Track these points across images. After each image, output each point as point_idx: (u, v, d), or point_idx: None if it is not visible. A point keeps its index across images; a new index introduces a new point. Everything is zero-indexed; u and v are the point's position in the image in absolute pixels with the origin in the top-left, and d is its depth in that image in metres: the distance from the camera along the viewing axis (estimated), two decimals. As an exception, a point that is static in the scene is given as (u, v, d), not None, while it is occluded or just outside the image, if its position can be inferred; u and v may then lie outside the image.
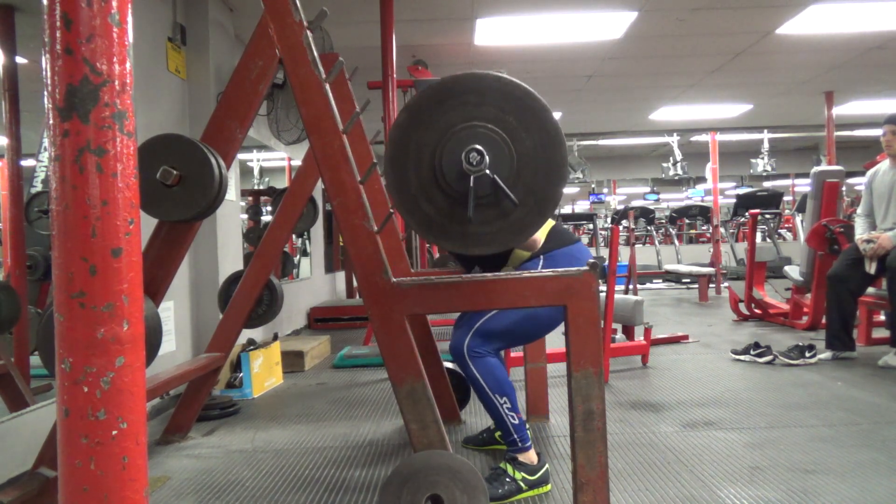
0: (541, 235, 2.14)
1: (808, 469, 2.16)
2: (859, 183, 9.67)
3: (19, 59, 2.83)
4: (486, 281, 1.63)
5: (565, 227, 2.30)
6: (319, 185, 3.98)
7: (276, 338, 3.95)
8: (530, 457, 2.07)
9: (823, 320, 4.24)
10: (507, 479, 2.02)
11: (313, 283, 6.82)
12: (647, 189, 14.98)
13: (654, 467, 2.23)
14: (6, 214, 2.84)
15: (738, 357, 3.98)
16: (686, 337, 4.75)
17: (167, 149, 2.02)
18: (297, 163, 5.41)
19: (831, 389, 3.21)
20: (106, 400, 0.77)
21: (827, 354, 3.87)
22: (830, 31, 5.37)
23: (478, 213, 1.54)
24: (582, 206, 20.23)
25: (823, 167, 5.13)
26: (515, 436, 2.07)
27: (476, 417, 2.91)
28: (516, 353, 3.38)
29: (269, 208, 6.54)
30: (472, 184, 1.49)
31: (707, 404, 3.02)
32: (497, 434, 2.47)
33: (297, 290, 6.13)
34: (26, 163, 2.96)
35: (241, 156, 4.42)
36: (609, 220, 14.57)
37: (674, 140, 10.74)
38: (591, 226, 10.58)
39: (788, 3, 4.70)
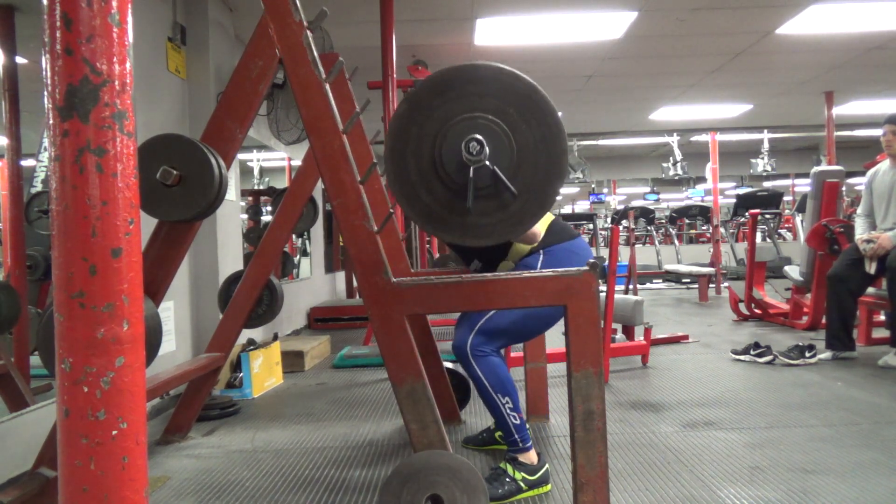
0: (541, 228, 2.14)
1: (808, 469, 2.16)
2: (859, 183, 9.67)
3: (19, 59, 2.83)
4: (486, 281, 1.63)
5: (565, 221, 2.30)
6: (319, 185, 3.98)
7: (276, 338, 3.95)
8: (530, 457, 2.07)
9: (823, 320, 4.24)
10: (507, 479, 2.02)
11: (313, 283, 6.82)
12: (647, 189, 14.99)
13: (654, 467, 2.23)
14: (6, 214, 2.84)
15: (738, 357, 3.98)
16: (686, 337, 4.75)
17: (167, 149, 2.02)
18: (297, 163, 5.41)
19: (831, 389, 3.21)
20: (106, 400, 0.77)
21: (827, 354, 3.87)
22: (830, 31, 5.37)
23: (477, 205, 1.54)
24: (582, 206, 20.23)
25: (823, 167, 5.13)
26: (516, 436, 2.06)
27: (476, 417, 2.91)
28: (516, 353, 3.38)
29: (269, 208, 6.54)
30: (471, 175, 1.49)
31: (707, 404, 3.02)
32: (497, 434, 2.47)
33: (297, 290, 6.13)
34: (26, 163, 2.96)
35: (241, 156, 4.42)
36: (609, 220, 14.58)
37: (674, 140, 10.74)
38: (591, 226, 10.58)
39: (788, 3, 4.70)
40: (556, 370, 3.36)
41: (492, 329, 2.05)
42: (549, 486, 2.08)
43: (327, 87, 1.76)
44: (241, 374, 3.53)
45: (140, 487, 0.80)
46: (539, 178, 1.54)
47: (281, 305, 3.30)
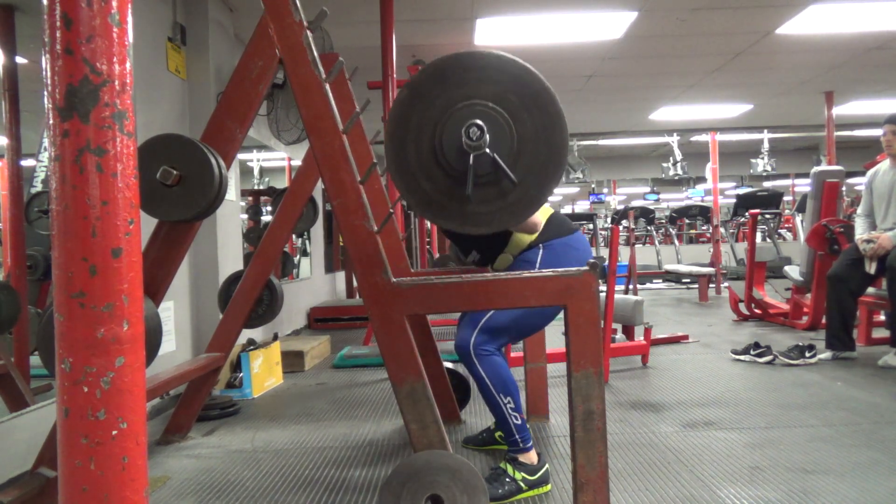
0: (541, 218, 2.14)
1: (808, 469, 2.16)
2: (859, 183, 9.67)
3: (19, 59, 2.83)
4: (485, 281, 1.63)
5: (564, 215, 2.30)
6: (319, 185, 3.98)
7: (276, 338, 3.95)
8: (531, 457, 2.07)
9: (823, 320, 4.24)
10: (508, 479, 2.02)
11: (313, 283, 6.82)
12: (647, 189, 14.98)
13: (654, 467, 2.23)
14: (6, 214, 2.84)
15: (738, 357, 3.98)
16: (686, 337, 4.75)
17: (167, 149, 2.02)
18: (297, 163, 5.41)
19: (831, 389, 3.21)
20: (106, 400, 0.77)
21: (827, 354, 3.87)
22: (830, 31, 5.37)
23: (477, 193, 1.54)
24: (582, 206, 20.22)
25: (823, 167, 5.13)
26: (517, 436, 2.06)
27: (476, 417, 2.91)
28: (516, 352, 3.38)
29: (269, 208, 6.54)
30: (471, 162, 1.48)
31: (707, 404, 3.02)
32: (497, 434, 2.47)
33: (297, 290, 6.13)
34: (26, 163, 2.96)
35: (241, 156, 4.42)
36: (609, 220, 14.57)
37: (674, 140, 10.74)
38: (591, 226, 10.58)
39: (788, 3, 4.70)
40: (556, 370, 3.36)
41: (494, 327, 2.05)
42: (549, 486, 2.08)
43: (327, 87, 1.76)
44: (241, 374, 3.53)
45: (140, 487, 0.80)
46: (539, 167, 1.54)
47: (281, 305, 3.30)
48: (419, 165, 1.56)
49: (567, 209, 17.79)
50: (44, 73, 0.78)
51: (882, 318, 4.44)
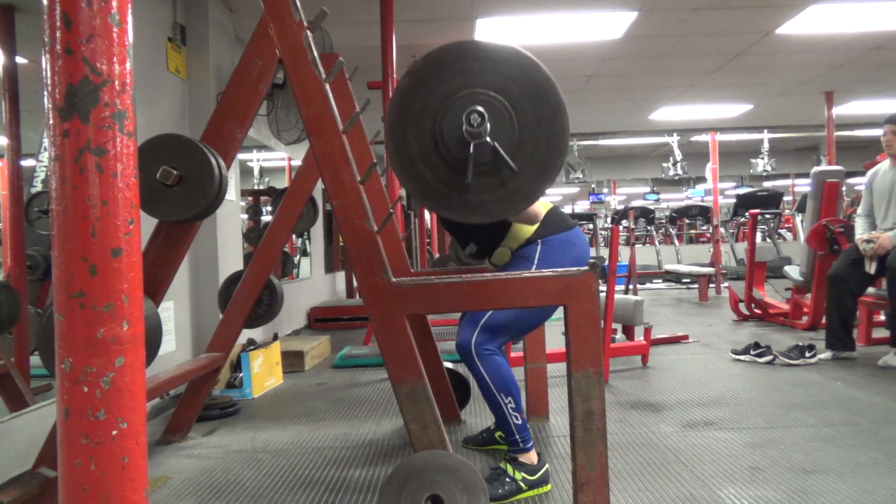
0: (541, 209, 2.14)
1: (808, 469, 2.16)
2: (859, 183, 9.67)
3: (19, 59, 2.83)
4: (485, 281, 1.63)
5: (563, 211, 2.29)
6: (319, 185, 3.98)
7: (276, 338, 3.95)
8: (531, 457, 2.07)
9: (823, 320, 4.24)
10: (508, 479, 2.02)
11: (313, 283, 6.82)
12: (647, 189, 14.98)
13: (654, 467, 2.23)
14: (6, 214, 2.84)
15: (738, 357, 3.98)
16: (686, 337, 4.75)
17: (167, 149, 2.02)
18: (297, 163, 5.41)
19: (831, 389, 3.21)
20: (106, 400, 0.77)
21: (827, 354, 3.87)
22: (830, 31, 5.37)
23: (477, 181, 1.53)
24: (582, 206, 20.22)
25: (823, 167, 5.13)
26: (517, 436, 2.06)
27: (476, 417, 2.91)
28: (516, 353, 3.38)
29: (269, 208, 6.54)
30: (471, 150, 1.48)
31: (707, 404, 3.02)
32: (497, 434, 2.47)
33: (297, 290, 6.13)
34: (26, 163, 2.96)
35: (241, 156, 4.42)
36: (609, 220, 14.57)
37: (674, 140, 10.74)
38: (591, 226, 10.58)
39: (788, 3, 4.70)
40: (556, 370, 3.36)
41: (495, 325, 2.05)
42: (549, 486, 2.08)
43: (327, 87, 1.76)
44: (241, 374, 3.53)
45: (140, 487, 0.80)
46: (540, 157, 1.53)
47: (281, 305, 3.30)
48: (419, 153, 1.56)
49: (567, 209, 17.75)
50: (44, 73, 0.78)
51: (882, 318, 4.44)
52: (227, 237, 4.05)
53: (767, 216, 9.13)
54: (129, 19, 0.81)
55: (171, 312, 3.52)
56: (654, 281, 9.75)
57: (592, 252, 10.66)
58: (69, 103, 0.77)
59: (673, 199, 17.92)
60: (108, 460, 0.78)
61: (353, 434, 2.76)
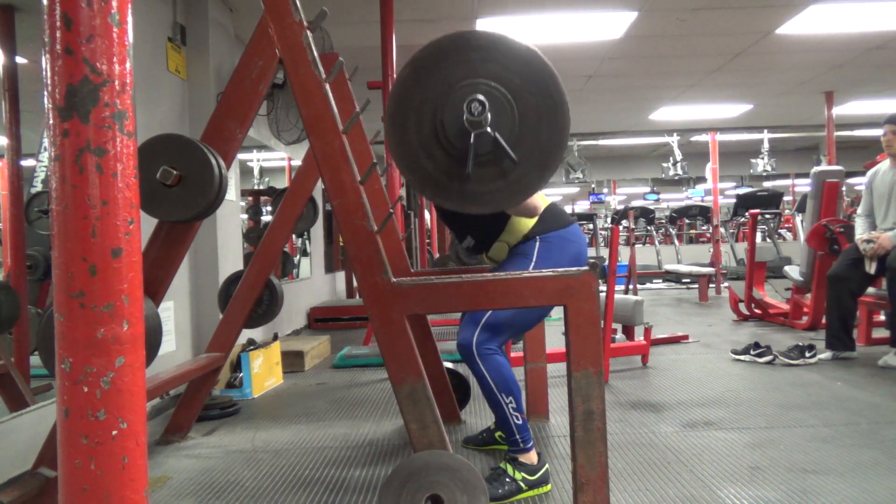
0: (541, 203, 2.13)
1: (808, 469, 2.16)
2: (859, 183, 9.67)
3: (19, 59, 2.83)
4: (486, 281, 1.63)
5: (560, 207, 2.29)
6: (319, 185, 3.98)
7: (276, 338, 3.95)
8: (531, 457, 2.07)
9: (823, 320, 4.23)
10: (508, 479, 2.02)
11: (313, 283, 6.82)
12: (647, 189, 14.98)
13: (654, 467, 2.23)
14: (6, 214, 2.84)
15: (738, 357, 3.98)
16: (686, 337, 4.75)
17: (167, 149, 2.02)
18: (297, 163, 5.41)
19: (831, 389, 3.21)
20: (106, 400, 0.77)
21: (827, 354, 3.87)
22: (830, 31, 5.37)
23: (477, 172, 1.53)
24: (582, 206, 20.22)
25: (823, 167, 5.13)
26: (518, 436, 2.06)
27: (476, 417, 2.91)
28: (516, 353, 3.38)
29: (269, 208, 6.54)
30: (472, 140, 1.48)
31: (707, 404, 3.02)
32: (497, 434, 2.47)
33: (297, 290, 6.13)
34: (26, 163, 2.96)
35: (241, 156, 4.42)
36: (609, 220, 14.58)
37: (674, 140, 10.74)
38: (591, 226, 10.58)
39: (788, 3, 4.70)
40: (556, 370, 3.36)
41: (495, 323, 2.05)
42: (549, 486, 2.08)
43: (327, 87, 1.76)
44: (241, 374, 3.53)
45: (140, 487, 0.80)
46: (540, 147, 1.53)
47: (281, 305, 3.30)
48: (420, 143, 1.55)
49: (567, 209, 17.76)
50: (44, 73, 0.78)
51: (882, 318, 4.44)
52: (227, 237, 4.05)
53: (767, 216, 9.14)
54: (129, 19, 0.81)
55: (171, 312, 3.52)
56: (654, 281, 9.75)
57: (592, 252, 10.67)
58: (69, 103, 0.77)
59: (673, 199, 17.92)
60: (108, 460, 0.78)
61: (353, 434, 2.76)
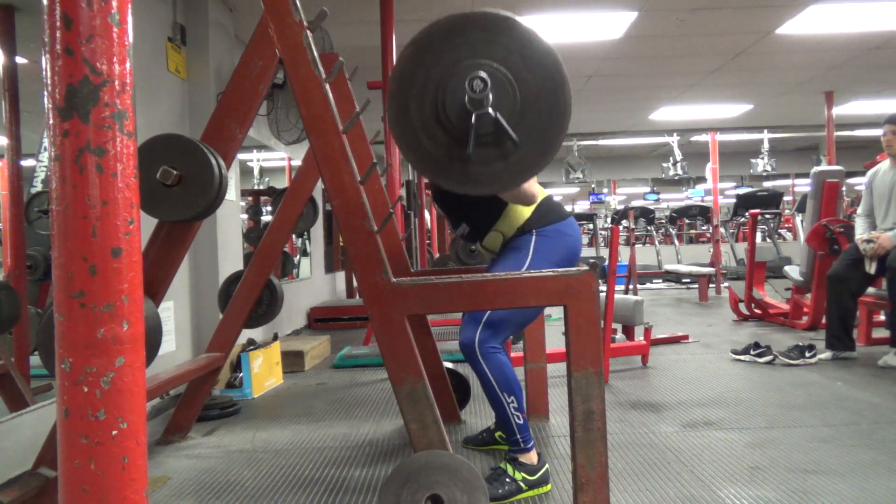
0: (539, 192, 2.13)
1: (808, 469, 2.16)
2: (859, 183, 9.67)
3: (19, 59, 2.83)
4: (486, 281, 1.64)
5: (556, 201, 2.29)
6: (319, 185, 3.98)
7: (276, 338, 3.95)
8: (531, 457, 2.07)
9: (823, 320, 4.24)
10: (508, 480, 2.02)
11: (313, 283, 6.82)
12: (647, 189, 14.98)
13: (654, 467, 2.23)
14: (6, 214, 2.84)
15: (738, 357, 3.98)
16: (686, 337, 4.75)
17: (167, 149, 2.02)
18: (297, 163, 5.41)
19: (831, 389, 3.21)
20: (106, 400, 0.77)
21: (827, 354, 3.87)
22: (830, 31, 5.37)
23: (478, 153, 1.52)
24: (582, 206, 20.22)
25: (823, 167, 5.13)
26: (518, 436, 2.06)
27: (476, 417, 2.91)
28: (516, 353, 3.38)
29: (269, 208, 6.54)
30: (473, 121, 1.47)
31: (707, 404, 3.02)
32: (497, 434, 2.47)
33: (297, 290, 6.13)
34: (26, 163, 2.96)
35: (241, 156, 4.42)
36: (609, 220, 14.57)
37: (674, 140, 10.74)
38: (591, 226, 10.58)
39: (788, 3, 4.70)
40: (556, 370, 3.36)
41: (496, 320, 2.05)
42: (549, 486, 2.08)
43: (327, 87, 1.76)
44: (241, 374, 3.53)
45: (140, 487, 0.80)
46: (541, 129, 1.52)
47: (281, 305, 3.30)
48: (421, 123, 1.54)
49: (567, 209, 17.78)
50: (44, 73, 0.78)
51: (882, 318, 4.44)
52: (227, 237, 4.05)
53: (767, 216, 9.14)
54: (129, 19, 0.81)
55: (171, 312, 3.52)
56: (654, 281, 9.75)
57: (592, 252, 10.66)
58: (69, 103, 0.77)
59: (673, 199, 17.92)
60: (108, 460, 0.78)
61: (353, 434, 2.76)
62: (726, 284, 7.40)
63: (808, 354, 3.81)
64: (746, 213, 7.26)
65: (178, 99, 3.72)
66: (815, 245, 4.56)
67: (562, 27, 5.03)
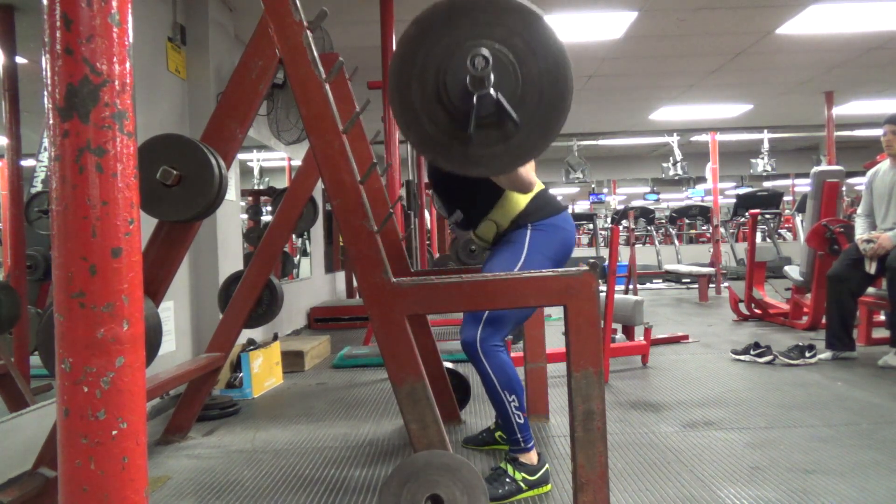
0: (536, 181, 2.12)
1: (808, 469, 2.16)
2: (859, 183, 9.68)
3: (19, 59, 2.83)
4: (486, 281, 1.64)
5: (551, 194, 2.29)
6: (319, 185, 3.98)
7: (276, 338, 3.94)
8: (531, 457, 2.07)
9: (823, 320, 4.24)
10: (508, 480, 2.02)
11: (313, 283, 6.82)
12: (647, 189, 14.98)
13: (654, 467, 2.23)
14: (6, 214, 2.84)
15: (738, 357, 3.98)
16: (686, 337, 4.75)
17: (167, 149, 2.02)
18: (297, 163, 5.41)
19: (831, 389, 3.21)
20: (106, 400, 0.77)
21: (827, 354, 3.87)
22: (830, 31, 5.37)
23: (479, 134, 1.51)
24: (582, 206, 20.22)
25: (823, 167, 5.13)
26: (519, 435, 2.06)
27: (476, 417, 2.91)
28: (516, 353, 3.38)
29: (269, 208, 6.54)
30: (475, 101, 1.46)
31: (707, 404, 3.02)
32: (497, 434, 2.47)
33: (297, 290, 6.13)
34: (26, 163, 2.96)
35: (241, 156, 4.42)
36: (609, 220, 14.58)
37: (674, 140, 10.74)
38: (591, 226, 10.58)
39: (788, 3, 4.70)
40: (556, 370, 3.36)
41: (496, 317, 2.05)
42: (549, 486, 2.08)
43: (327, 86, 1.76)
44: (241, 374, 3.53)
45: (140, 487, 0.80)
46: (543, 111, 1.51)
47: (281, 305, 3.30)
48: (422, 104, 1.53)
49: (567, 209, 17.77)
50: (44, 73, 0.78)
51: (882, 318, 4.44)
52: (227, 237, 4.05)
53: (767, 216, 9.15)
54: (129, 19, 0.81)
55: (171, 312, 3.52)
56: (654, 281, 9.75)
57: (592, 252, 10.63)
58: (69, 103, 0.77)
59: (673, 199, 17.92)
60: (108, 460, 0.78)
61: (353, 434, 2.76)
62: (726, 284, 7.40)
63: (808, 354, 3.81)
64: (746, 213, 7.26)
65: (178, 99, 3.72)
66: (815, 245, 4.56)
67: (562, 27, 5.03)
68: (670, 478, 2.13)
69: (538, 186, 2.17)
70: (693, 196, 15.18)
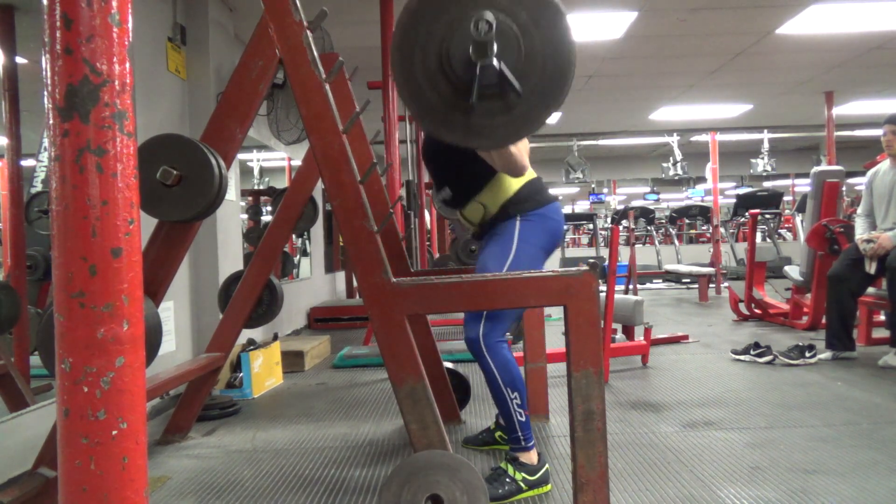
0: (529, 166, 2.10)
1: (808, 469, 2.16)
2: (859, 183, 9.67)
3: (19, 59, 2.83)
4: (486, 281, 1.64)
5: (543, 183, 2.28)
6: (319, 185, 3.98)
7: (276, 338, 3.95)
8: (531, 457, 2.07)
9: (823, 320, 4.24)
10: (508, 480, 2.02)
11: (313, 283, 6.82)
12: (647, 189, 14.98)
13: (654, 467, 2.23)
14: (6, 214, 2.84)
15: (738, 357, 3.98)
16: (686, 337, 4.75)
17: (167, 149, 2.02)
18: (297, 163, 5.41)
19: (831, 389, 3.21)
20: (106, 400, 0.77)
21: (827, 354, 3.87)
22: (830, 31, 5.37)
23: (482, 105, 1.51)
24: (582, 206, 20.22)
25: (823, 167, 5.14)
26: (520, 433, 2.06)
27: (476, 417, 2.91)
28: (516, 353, 3.37)
29: (269, 208, 6.54)
30: (477, 70, 1.45)
31: (707, 404, 3.02)
32: (497, 434, 2.47)
33: (297, 290, 6.13)
34: (26, 163, 2.96)
35: (241, 156, 4.42)
36: (609, 220, 14.57)
37: (674, 140, 10.74)
38: (591, 226, 10.58)
39: (788, 3, 4.70)
40: (556, 370, 3.36)
41: (496, 312, 2.05)
42: (549, 486, 2.08)
43: (327, 87, 1.76)
44: (241, 374, 3.53)
45: (140, 487, 0.80)
46: (545, 82, 1.51)
47: (281, 305, 3.30)
48: (424, 73, 1.52)
49: (567, 209, 17.77)
50: (44, 73, 0.78)
51: (882, 318, 4.44)
52: (227, 237, 4.05)
53: (767, 216, 9.14)
54: (129, 19, 0.81)
55: (171, 312, 3.52)
56: (654, 281, 9.75)
57: (592, 252, 10.62)
58: (69, 103, 0.77)
59: (673, 199, 17.92)
60: (108, 460, 0.78)
61: (353, 434, 2.76)
62: (726, 284, 7.40)
63: (808, 354, 3.81)
64: (746, 213, 7.26)
65: (178, 99, 3.72)
66: (815, 245, 4.56)
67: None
68: (670, 478, 2.13)
69: (530, 174, 2.16)
70: (693, 196, 15.18)
